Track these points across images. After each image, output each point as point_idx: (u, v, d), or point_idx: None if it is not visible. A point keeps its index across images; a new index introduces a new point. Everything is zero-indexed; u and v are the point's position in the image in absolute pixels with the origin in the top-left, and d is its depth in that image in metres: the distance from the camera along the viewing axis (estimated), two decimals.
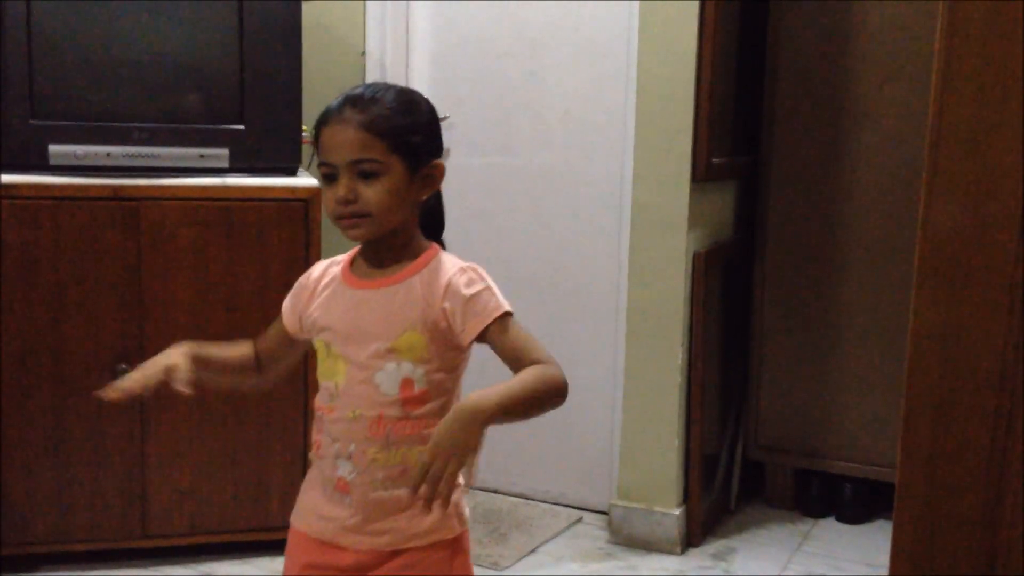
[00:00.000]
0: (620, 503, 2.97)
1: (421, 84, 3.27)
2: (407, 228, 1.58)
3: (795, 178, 3.10)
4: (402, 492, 1.50)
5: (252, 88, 2.62)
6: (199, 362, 1.58)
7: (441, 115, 3.23)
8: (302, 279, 1.65)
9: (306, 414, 2.68)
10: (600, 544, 2.96)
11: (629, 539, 2.94)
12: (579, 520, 3.11)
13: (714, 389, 3.11)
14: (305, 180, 2.69)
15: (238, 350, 1.67)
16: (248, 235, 2.62)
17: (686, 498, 2.94)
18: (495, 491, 3.29)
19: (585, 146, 3.10)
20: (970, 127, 1.55)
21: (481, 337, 1.51)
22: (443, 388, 1.54)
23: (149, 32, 2.61)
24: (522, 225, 3.21)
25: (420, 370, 1.51)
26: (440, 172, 1.59)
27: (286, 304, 1.65)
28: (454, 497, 1.54)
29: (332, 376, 1.55)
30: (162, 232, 2.55)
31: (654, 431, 2.90)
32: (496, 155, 3.23)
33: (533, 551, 2.89)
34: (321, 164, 1.52)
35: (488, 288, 1.55)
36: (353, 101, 1.50)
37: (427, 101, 1.60)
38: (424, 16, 3.26)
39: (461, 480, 1.51)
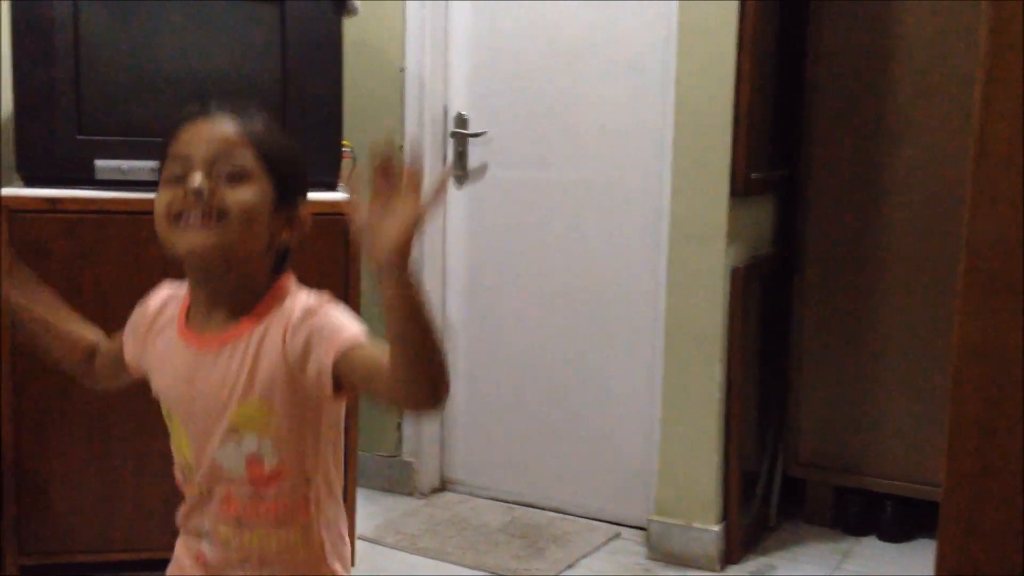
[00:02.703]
0: (658, 519, 2.95)
1: (459, 99, 3.29)
2: (255, 270, 1.32)
3: (834, 192, 3.09)
4: None
5: (294, 104, 2.65)
6: (41, 310, 1.45)
7: (479, 130, 3.21)
8: (139, 309, 1.45)
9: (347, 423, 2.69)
10: (638, 560, 2.95)
11: (667, 555, 2.93)
12: (617, 535, 3.10)
13: (753, 405, 3.09)
14: (345, 195, 2.71)
15: (83, 331, 1.50)
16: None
17: (725, 515, 2.92)
18: (532, 505, 3.28)
19: (622, 160, 3.10)
20: (1013, 141, 1.54)
21: (337, 368, 1.23)
22: (302, 461, 1.33)
23: (193, 50, 2.65)
24: (559, 239, 3.22)
25: (267, 443, 1.30)
26: (305, 221, 1.36)
27: (127, 332, 1.46)
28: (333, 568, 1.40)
29: (178, 449, 1.39)
30: None
31: (693, 446, 2.89)
32: (533, 169, 3.24)
33: (571, 566, 2.88)
34: (169, 160, 1.28)
35: (337, 313, 1.28)
36: (224, 107, 1.32)
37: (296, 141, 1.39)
38: (462, 32, 3.28)
39: (339, 570, 1.40)
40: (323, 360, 1.24)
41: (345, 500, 2.76)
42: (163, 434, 2.76)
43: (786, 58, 3.08)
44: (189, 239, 1.25)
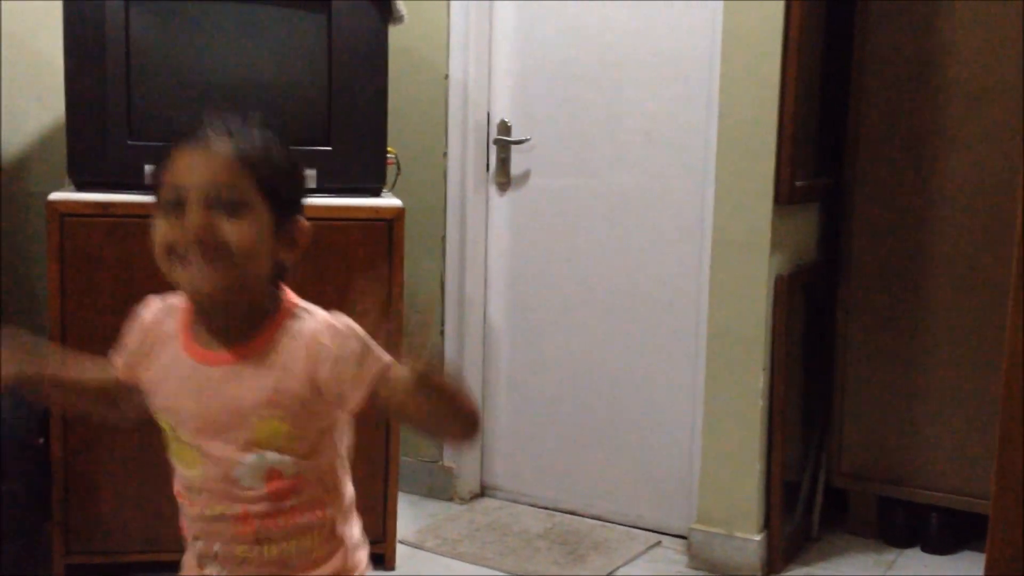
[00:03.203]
0: (700, 527, 2.94)
1: (502, 106, 3.30)
2: (260, 291, 1.31)
3: (880, 201, 3.06)
4: None
5: (339, 110, 2.67)
6: (53, 381, 1.36)
7: (522, 137, 3.22)
8: (134, 325, 1.41)
9: (388, 430, 2.71)
10: (679, 569, 2.93)
11: (709, 564, 2.91)
12: (658, 543, 3.09)
13: (796, 413, 3.07)
14: (389, 200, 2.73)
15: (96, 372, 1.41)
16: (333, 254, 2.66)
17: (767, 524, 2.91)
18: (573, 512, 3.28)
19: (665, 168, 3.09)
20: None
21: (371, 399, 1.26)
22: (317, 470, 1.33)
23: (241, 57, 2.69)
24: (601, 247, 3.22)
25: (288, 459, 1.29)
26: (305, 234, 1.33)
27: (119, 350, 1.42)
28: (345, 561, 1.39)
29: (186, 465, 1.34)
30: None
31: (735, 455, 2.87)
32: (575, 176, 3.24)
33: (611, 574, 2.88)
34: (164, 187, 1.25)
35: (360, 339, 1.28)
36: (218, 129, 1.27)
37: (290, 150, 1.35)
38: (506, 40, 3.30)
39: (360, 555, 1.41)
40: (350, 390, 1.26)
41: (386, 505, 2.80)
42: None
43: (832, 63, 3.06)
44: (191, 278, 1.24)
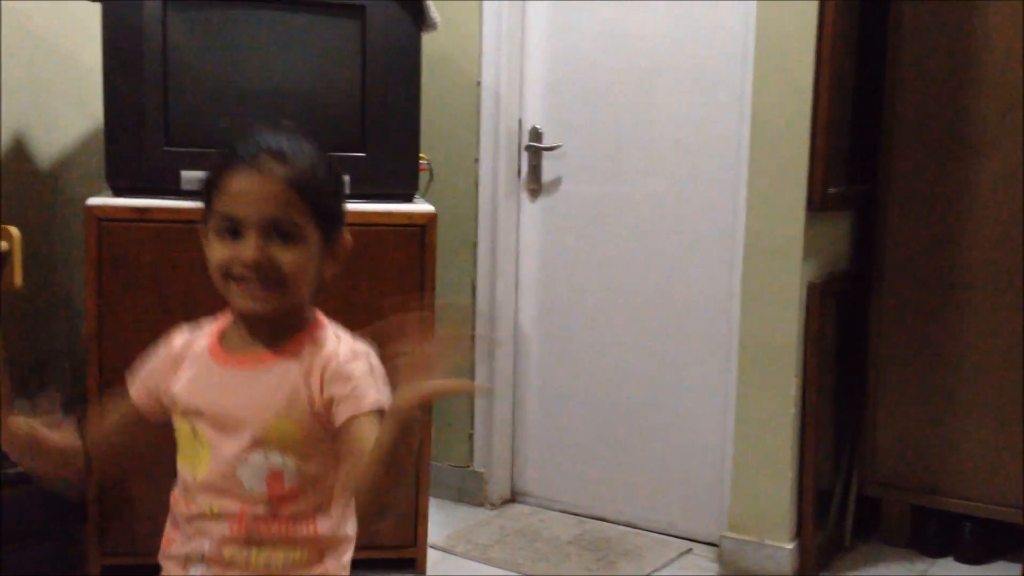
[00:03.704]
0: (731, 535, 2.93)
1: (535, 113, 3.31)
2: (301, 307, 1.37)
3: (914, 208, 3.04)
4: None
5: (373, 117, 2.69)
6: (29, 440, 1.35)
7: (553, 143, 3.24)
8: (160, 350, 1.45)
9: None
10: None
11: (740, 572, 2.90)
12: (688, 551, 3.08)
13: (828, 421, 3.06)
14: (422, 206, 2.74)
15: (62, 435, 1.39)
16: (367, 259, 2.68)
17: (799, 532, 2.89)
18: (603, 518, 3.28)
19: (697, 174, 3.09)
20: None
21: (342, 425, 1.29)
22: (318, 485, 1.35)
23: (276, 64, 2.72)
24: (632, 253, 3.22)
25: (291, 463, 1.32)
26: (346, 248, 1.39)
27: (135, 380, 1.44)
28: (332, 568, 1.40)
29: (192, 465, 1.38)
30: None
31: (766, 462, 2.87)
32: (607, 183, 3.24)
33: None
34: (219, 214, 1.29)
35: (371, 375, 1.33)
36: (271, 151, 1.30)
37: (333, 163, 1.39)
38: (538, 46, 3.31)
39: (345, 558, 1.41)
40: (340, 414, 1.30)
41: (417, 509, 2.80)
42: None
43: (865, 66, 3.04)
44: (248, 304, 1.30)
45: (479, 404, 3.34)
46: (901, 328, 3.08)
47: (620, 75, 3.19)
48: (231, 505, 1.34)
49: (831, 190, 2.83)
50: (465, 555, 2.99)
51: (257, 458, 1.32)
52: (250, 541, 1.34)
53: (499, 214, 3.32)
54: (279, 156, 1.30)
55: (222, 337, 1.39)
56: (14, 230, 2.57)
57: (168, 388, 1.40)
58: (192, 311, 2.59)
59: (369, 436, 1.23)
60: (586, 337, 3.31)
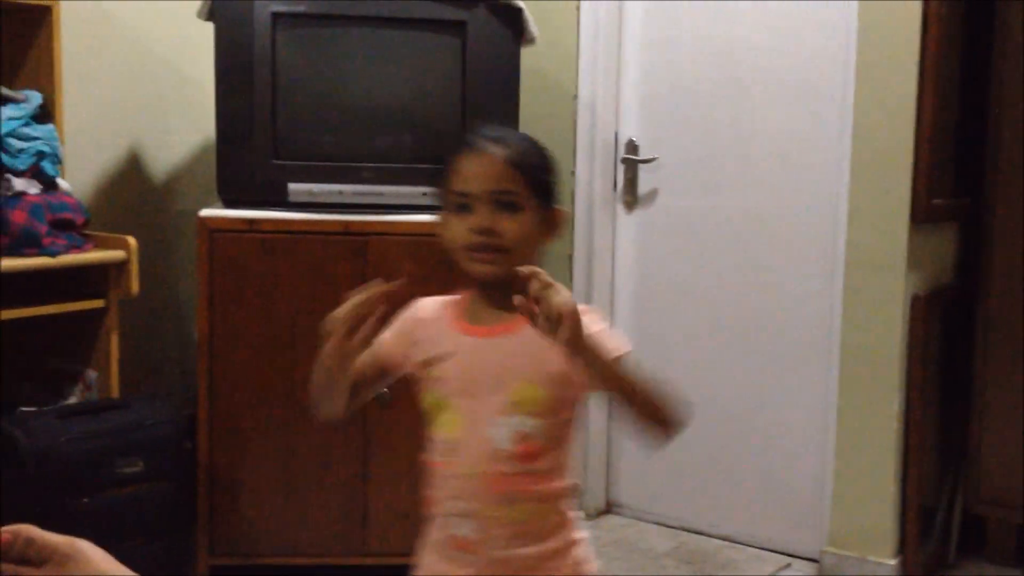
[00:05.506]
0: (832, 550, 2.89)
1: (630, 127, 3.33)
2: None
3: (1021, 222, 2.96)
4: (528, 551, 1.47)
5: (472, 130, 2.73)
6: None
7: (649, 156, 3.29)
8: (407, 315, 1.58)
9: None
10: None
11: None
12: (787, 566, 3.04)
13: (933, 437, 2.99)
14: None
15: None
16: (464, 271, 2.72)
17: (902, 549, 2.84)
18: (700, 532, 3.26)
19: (796, 187, 3.06)
20: None
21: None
22: (561, 440, 1.50)
23: (380, 80, 2.79)
24: (730, 267, 3.20)
25: (538, 423, 1.47)
26: (561, 218, 1.56)
27: (387, 336, 1.55)
28: (578, 552, 1.53)
29: (447, 430, 1.50)
30: (387, 265, 2.70)
31: (869, 477, 2.82)
32: (703, 196, 3.23)
33: None
34: (453, 193, 1.49)
35: (608, 328, 1.50)
36: (491, 138, 1.50)
37: (545, 149, 1.57)
38: (634, 59, 3.32)
39: (582, 534, 1.53)
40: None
41: None
42: (345, 447, 2.87)
43: (970, 77, 2.98)
44: (481, 269, 1.48)
45: None
46: (1008, 343, 3.00)
47: (716, 86, 3.18)
48: (488, 465, 1.46)
49: (935, 201, 2.79)
50: None
51: (507, 420, 1.46)
52: (509, 498, 1.47)
53: (595, 226, 3.34)
54: (498, 140, 1.49)
55: (464, 310, 1.54)
56: (131, 240, 2.70)
57: (412, 353, 1.54)
58: (295, 317, 2.69)
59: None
60: (683, 350, 3.30)
